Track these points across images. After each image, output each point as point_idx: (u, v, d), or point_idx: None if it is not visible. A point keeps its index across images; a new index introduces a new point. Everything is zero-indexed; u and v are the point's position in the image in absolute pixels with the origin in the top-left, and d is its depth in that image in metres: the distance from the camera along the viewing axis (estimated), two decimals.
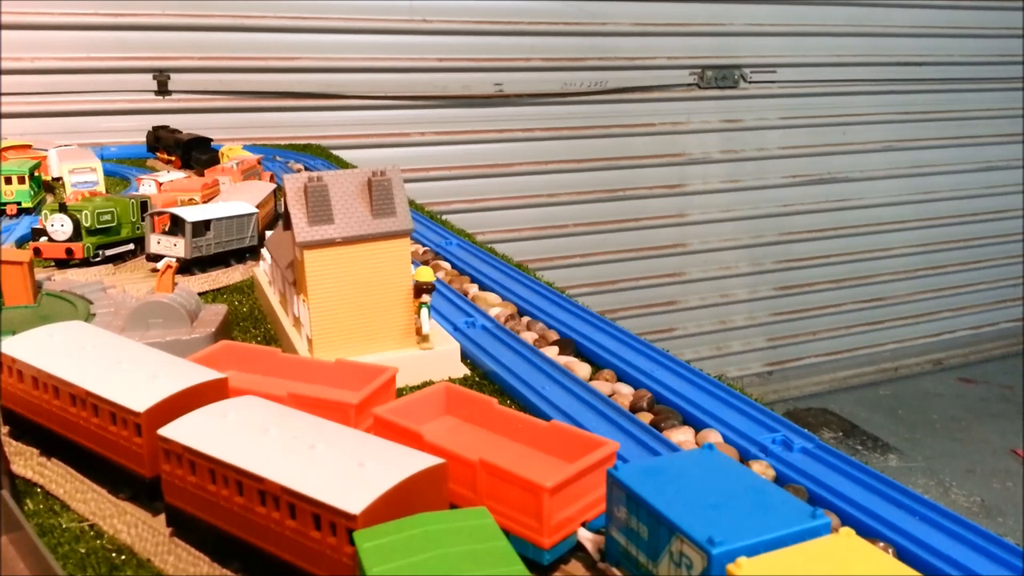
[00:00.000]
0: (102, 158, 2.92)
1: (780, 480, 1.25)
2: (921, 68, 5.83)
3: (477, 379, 1.61)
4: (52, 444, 1.25)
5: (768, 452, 1.31)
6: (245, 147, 3.34)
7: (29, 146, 3.17)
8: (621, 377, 1.61)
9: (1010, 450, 5.14)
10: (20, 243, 2.31)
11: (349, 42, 4.34)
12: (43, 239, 2.14)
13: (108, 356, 1.24)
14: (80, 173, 2.74)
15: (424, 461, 0.97)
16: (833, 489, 1.20)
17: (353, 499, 0.89)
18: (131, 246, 2.26)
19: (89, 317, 1.67)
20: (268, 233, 2.09)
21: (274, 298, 1.86)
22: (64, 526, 1.12)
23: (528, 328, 1.85)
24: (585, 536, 1.03)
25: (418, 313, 1.59)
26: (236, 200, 2.33)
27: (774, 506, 0.87)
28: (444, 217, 2.92)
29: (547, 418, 1.30)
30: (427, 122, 4.61)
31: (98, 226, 2.15)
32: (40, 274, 1.99)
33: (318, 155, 3.80)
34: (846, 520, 1.15)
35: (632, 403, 1.49)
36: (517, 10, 4.67)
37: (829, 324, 6.04)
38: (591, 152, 5.03)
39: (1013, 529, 4.27)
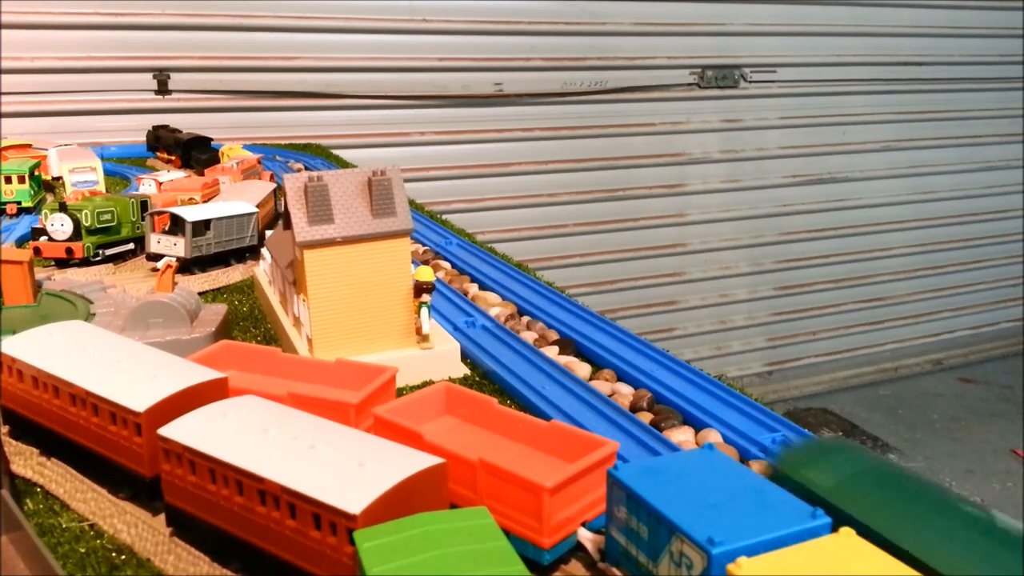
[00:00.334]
0: (102, 157, 2.92)
1: None
2: (921, 68, 5.83)
3: (477, 379, 1.61)
4: (52, 444, 1.25)
5: (768, 452, 1.31)
6: (245, 147, 3.34)
7: (29, 145, 3.17)
8: (621, 377, 1.61)
9: (1010, 450, 5.14)
10: (20, 242, 2.31)
11: (349, 42, 4.34)
12: (43, 238, 2.14)
13: (108, 356, 1.24)
14: (80, 172, 2.74)
15: (424, 461, 0.97)
16: None
17: (353, 499, 0.89)
18: (131, 246, 2.26)
19: (89, 317, 1.67)
20: (268, 233, 2.09)
21: (274, 298, 1.86)
22: (64, 526, 1.12)
23: (528, 328, 1.85)
24: (585, 536, 1.03)
25: (418, 313, 1.59)
26: (236, 200, 2.33)
27: (774, 506, 0.87)
28: (444, 217, 2.92)
29: (547, 418, 1.30)
30: (427, 122, 4.61)
31: (98, 225, 2.15)
32: (40, 273, 1.99)
33: (318, 155, 3.80)
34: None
35: (632, 403, 1.49)
36: (517, 10, 4.67)
37: (829, 324, 6.04)
38: (591, 152, 5.03)
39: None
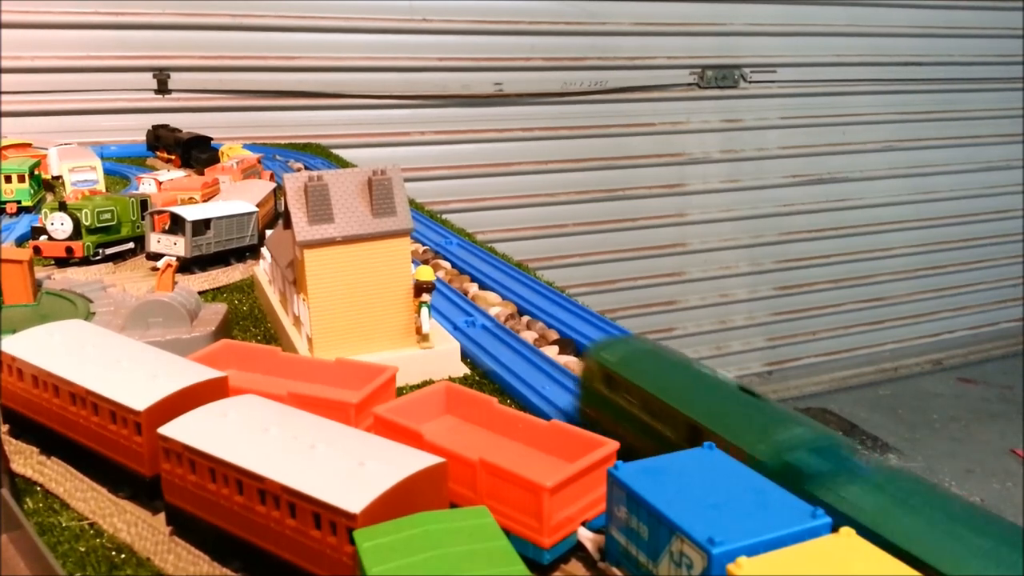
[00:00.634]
0: (102, 157, 2.92)
1: None
2: (921, 68, 5.83)
3: (477, 378, 1.61)
4: (52, 443, 1.25)
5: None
6: (245, 146, 3.33)
7: (29, 145, 3.17)
8: None
9: (1010, 450, 5.15)
10: (20, 242, 2.31)
11: (349, 41, 4.34)
12: (43, 238, 2.14)
13: (108, 355, 1.24)
14: (80, 172, 2.74)
15: (424, 460, 0.97)
16: None
17: (353, 498, 0.89)
18: (131, 245, 2.26)
19: (89, 316, 1.67)
20: (268, 232, 2.09)
21: (274, 297, 1.86)
22: (64, 525, 1.12)
23: (528, 327, 1.85)
24: (585, 536, 1.03)
25: (418, 312, 1.59)
26: (236, 199, 2.33)
27: (774, 506, 0.87)
28: (444, 216, 2.92)
29: (547, 418, 1.30)
30: (427, 121, 4.61)
31: (98, 225, 2.15)
32: (40, 273, 1.99)
33: (318, 154, 3.80)
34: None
35: None
36: (517, 10, 4.67)
37: (829, 324, 6.04)
38: (591, 152, 5.03)
39: None
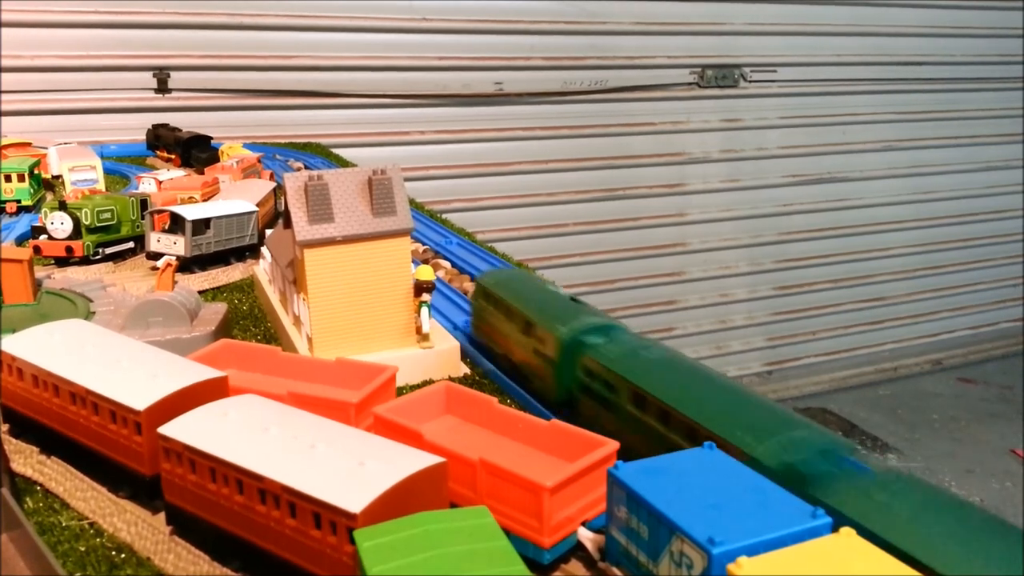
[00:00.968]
0: (102, 156, 2.92)
1: None
2: (921, 68, 5.82)
3: (477, 378, 1.61)
4: (52, 442, 1.25)
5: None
6: (245, 145, 3.33)
7: (29, 144, 3.17)
8: None
9: (1010, 450, 5.15)
10: (20, 241, 2.31)
11: (349, 40, 4.34)
12: (43, 237, 2.14)
13: (108, 354, 1.24)
14: (80, 171, 2.74)
15: (424, 460, 0.97)
16: None
17: (353, 498, 0.89)
18: (131, 244, 2.26)
19: (89, 315, 1.67)
20: (268, 232, 2.09)
21: (274, 297, 1.86)
22: (64, 524, 1.12)
23: None
24: (585, 536, 1.04)
25: (418, 312, 1.59)
26: (236, 198, 2.33)
27: (774, 506, 0.87)
28: (444, 216, 2.92)
29: (547, 417, 1.30)
30: (427, 121, 4.61)
31: (98, 224, 2.15)
32: (40, 272, 1.99)
33: (318, 154, 3.80)
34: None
35: None
36: (517, 10, 4.66)
37: (828, 324, 6.04)
38: (591, 151, 5.03)
39: None
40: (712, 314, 5.67)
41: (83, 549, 1.07)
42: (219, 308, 1.74)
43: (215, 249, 2.15)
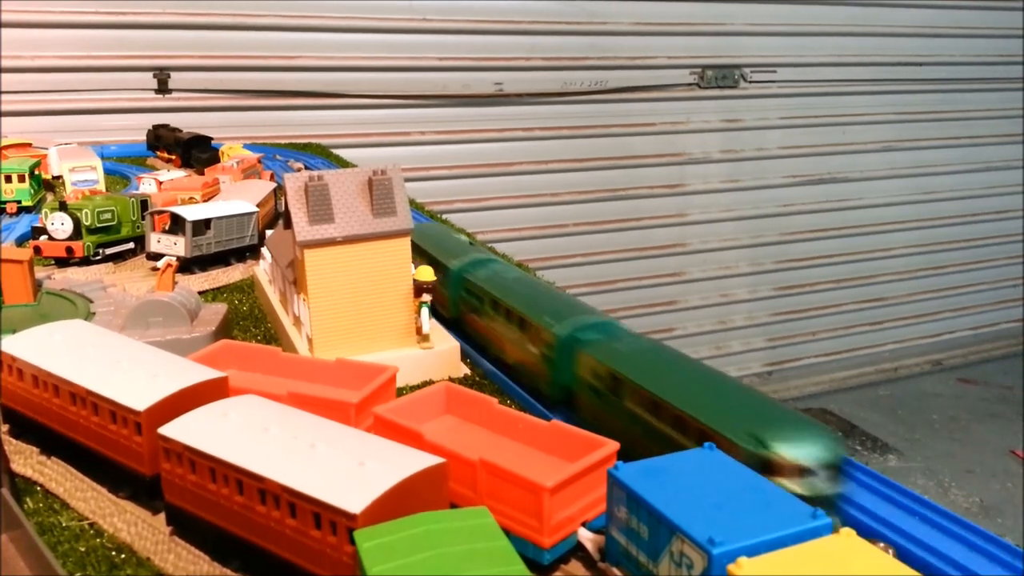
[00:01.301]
0: (102, 156, 2.92)
1: None
2: (921, 68, 5.82)
3: (477, 379, 1.61)
4: (52, 442, 1.25)
5: None
6: (245, 146, 3.33)
7: (29, 144, 3.17)
8: None
9: (1009, 451, 5.14)
10: (20, 241, 2.31)
11: (349, 41, 4.34)
12: (43, 237, 2.14)
13: (108, 355, 1.24)
14: (80, 171, 2.74)
15: (424, 461, 0.97)
16: None
17: (353, 498, 0.89)
18: (131, 245, 2.26)
19: (89, 316, 1.67)
20: (268, 232, 2.09)
21: (274, 297, 1.86)
22: (64, 524, 1.12)
23: None
24: (585, 536, 1.04)
25: (418, 312, 1.59)
26: (236, 199, 2.33)
27: (775, 506, 0.87)
28: (444, 216, 2.92)
29: (547, 418, 1.30)
30: (427, 121, 4.61)
31: (98, 225, 2.15)
32: (40, 273, 1.99)
33: (318, 154, 3.80)
34: (846, 520, 1.14)
35: None
36: (517, 10, 4.66)
37: (829, 324, 6.04)
38: (591, 152, 5.03)
39: (1012, 529, 4.27)
40: (713, 314, 5.67)
41: (83, 549, 1.07)
42: (219, 309, 1.74)
43: (215, 250, 2.15)
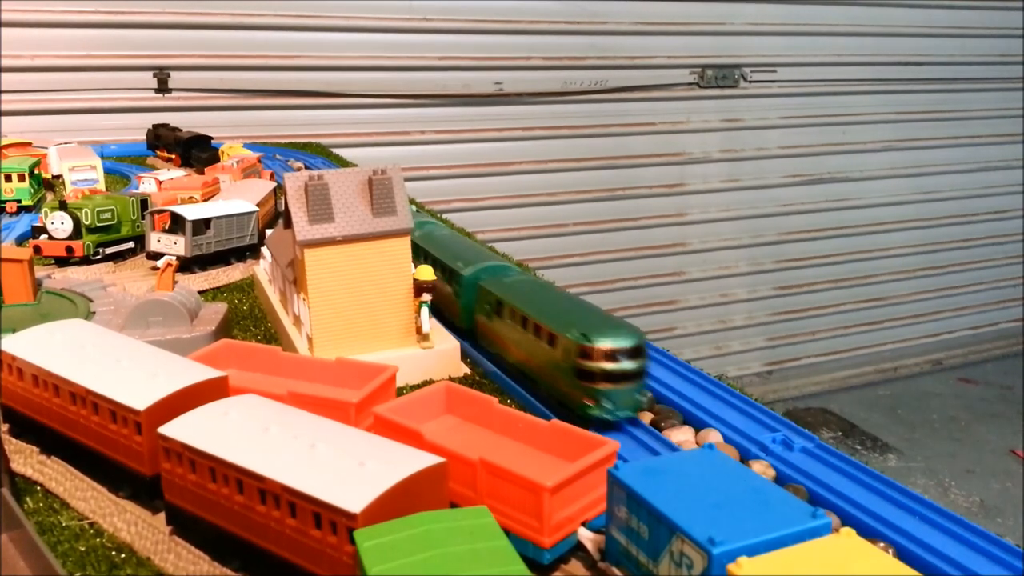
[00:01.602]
0: (102, 156, 2.92)
1: (780, 480, 1.25)
2: (921, 68, 5.82)
3: (477, 378, 1.61)
4: (52, 442, 1.25)
5: (768, 452, 1.31)
6: (245, 145, 3.33)
7: (29, 144, 3.17)
8: None
9: (1009, 450, 5.15)
10: (20, 241, 2.31)
11: (349, 40, 4.34)
12: (43, 237, 2.14)
13: (108, 354, 1.24)
14: (80, 171, 2.74)
15: (424, 460, 0.97)
16: (833, 489, 1.20)
17: (353, 498, 0.89)
18: (131, 244, 2.26)
19: (89, 315, 1.67)
20: (268, 231, 2.09)
21: (274, 296, 1.86)
22: (64, 524, 1.12)
23: None
24: (585, 536, 1.04)
25: (418, 312, 1.59)
26: (236, 198, 2.33)
27: (775, 506, 0.88)
28: (444, 216, 2.92)
29: (547, 417, 1.30)
30: (427, 121, 4.61)
31: (98, 224, 2.15)
32: (40, 272, 1.99)
33: (318, 153, 3.80)
34: (846, 520, 1.15)
35: None
36: (517, 9, 4.66)
37: (828, 324, 6.04)
38: (591, 151, 5.03)
39: (1012, 529, 4.27)
40: (712, 314, 5.67)
41: (83, 549, 1.07)
42: (219, 308, 1.74)
43: (215, 249, 2.15)
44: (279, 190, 2.58)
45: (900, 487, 1.19)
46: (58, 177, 2.91)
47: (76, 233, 2.13)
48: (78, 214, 2.12)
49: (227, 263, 2.19)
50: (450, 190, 4.68)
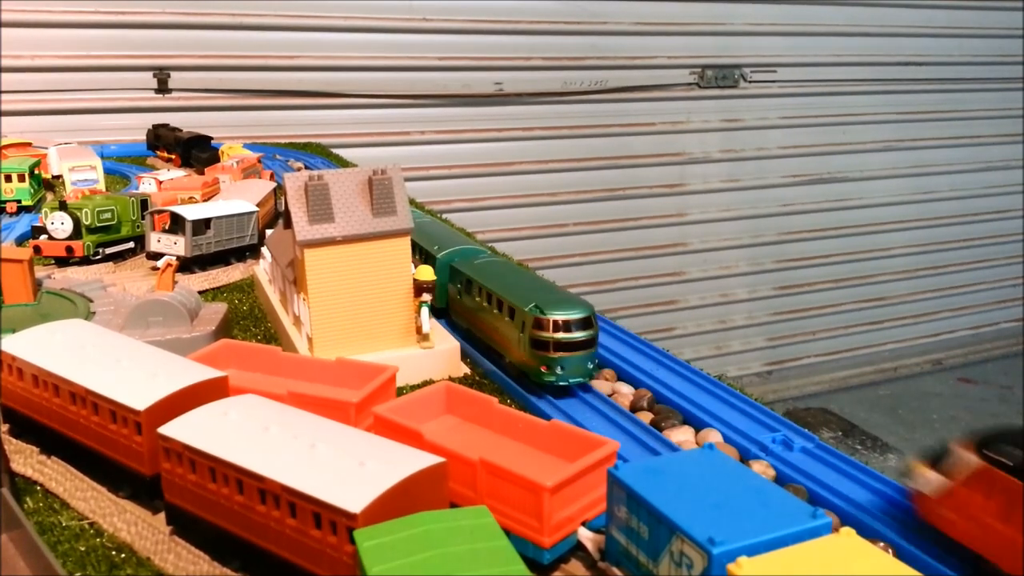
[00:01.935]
0: (102, 156, 2.92)
1: (780, 480, 1.25)
2: (921, 68, 5.82)
3: (477, 378, 1.61)
4: (52, 442, 1.25)
5: (768, 452, 1.31)
6: (245, 145, 3.33)
7: (29, 144, 3.17)
8: (621, 377, 1.61)
9: None
10: (20, 241, 2.31)
11: (349, 40, 4.34)
12: (43, 237, 2.14)
13: (108, 354, 1.24)
14: (80, 171, 2.74)
15: (424, 460, 0.97)
16: (833, 489, 1.20)
17: (353, 498, 0.89)
18: (131, 244, 2.26)
19: (89, 315, 1.67)
20: (268, 232, 2.09)
21: (274, 297, 1.86)
22: (64, 524, 1.12)
23: None
24: (585, 535, 1.04)
25: (418, 312, 1.59)
26: (236, 199, 2.33)
27: (774, 506, 0.88)
28: (444, 216, 2.92)
29: (547, 417, 1.30)
30: (427, 121, 4.61)
31: (98, 224, 2.15)
32: (40, 272, 2.00)
33: (318, 154, 3.80)
34: (846, 520, 1.15)
35: (632, 403, 1.49)
36: (517, 10, 4.66)
37: (829, 324, 6.04)
38: (591, 151, 5.03)
39: None
40: (712, 314, 5.67)
41: (83, 549, 1.07)
42: (219, 308, 1.74)
43: (215, 249, 2.15)
44: (279, 190, 2.58)
45: (900, 487, 1.19)
46: (58, 177, 2.91)
47: (76, 233, 2.13)
48: (78, 214, 2.12)
49: (227, 263, 2.19)
50: (450, 190, 4.68)
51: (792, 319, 5.91)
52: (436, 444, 1.09)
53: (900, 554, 1.07)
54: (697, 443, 1.35)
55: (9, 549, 1.02)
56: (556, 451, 1.15)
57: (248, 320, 1.87)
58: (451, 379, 1.55)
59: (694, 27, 5.07)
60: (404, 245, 1.57)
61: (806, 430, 1.37)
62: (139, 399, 1.12)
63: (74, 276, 2.04)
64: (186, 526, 1.07)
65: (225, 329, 1.69)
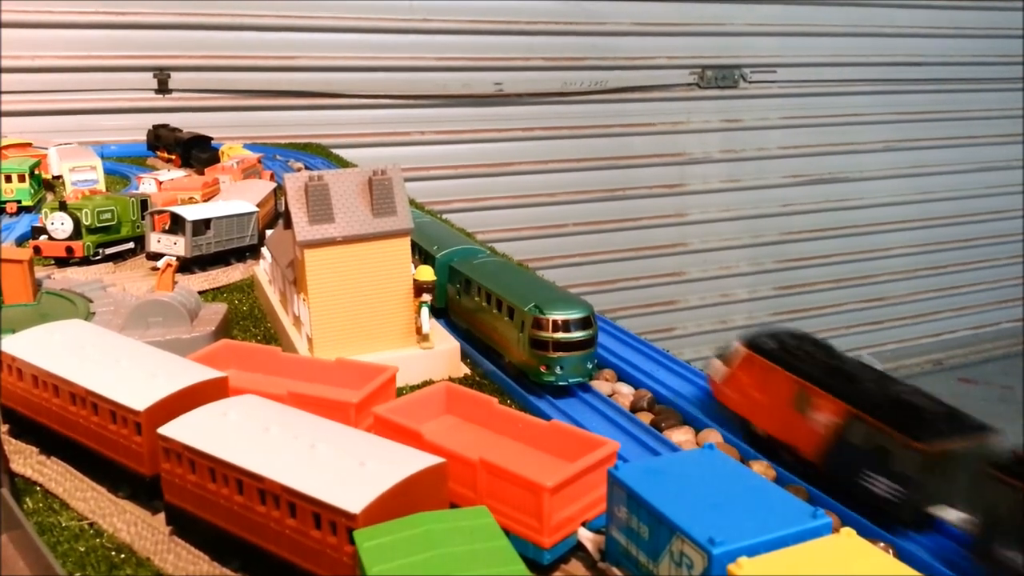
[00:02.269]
0: (102, 156, 2.92)
1: (781, 480, 1.25)
2: (921, 68, 5.82)
3: (477, 379, 1.61)
4: (52, 442, 1.25)
5: None
6: (245, 146, 3.33)
7: (29, 144, 3.16)
8: (621, 377, 1.61)
9: (1010, 451, 5.13)
10: (20, 241, 2.30)
11: (349, 41, 4.34)
12: (43, 237, 2.14)
13: (108, 355, 1.24)
14: (80, 171, 2.74)
15: (424, 460, 0.97)
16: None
17: (353, 498, 0.89)
18: (131, 245, 2.26)
19: (89, 316, 1.67)
20: (268, 232, 2.09)
21: (274, 297, 1.86)
22: (63, 524, 1.12)
23: None
24: (585, 536, 1.04)
25: (418, 312, 1.59)
26: (236, 199, 2.33)
27: (775, 506, 0.88)
28: (444, 216, 2.92)
29: (547, 418, 1.30)
30: (427, 121, 4.61)
31: (98, 224, 2.15)
32: (40, 272, 1.99)
33: (318, 154, 3.80)
34: (846, 520, 1.15)
35: (632, 403, 1.49)
36: (517, 10, 4.66)
37: (829, 324, 6.03)
38: (591, 152, 5.02)
39: None
40: (713, 314, 5.67)
41: (83, 549, 1.07)
42: (219, 308, 1.74)
43: (215, 249, 2.15)
44: (279, 190, 2.58)
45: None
46: (58, 177, 2.91)
47: (76, 233, 2.13)
48: (78, 214, 2.12)
49: (227, 263, 2.19)
50: (450, 190, 4.68)
51: (792, 319, 5.90)
52: (436, 444, 1.09)
53: (900, 554, 1.07)
54: (697, 443, 1.35)
55: (9, 549, 1.02)
56: (556, 451, 1.15)
57: (248, 320, 1.87)
58: (451, 379, 1.55)
59: (694, 27, 5.08)
60: (404, 245, 1.57)
61: None
62: (139, 399, 1.12)
63: (74, 276, 2.04)
64: (186, 526, 1.07)
65: (225, 329, 1.69)
